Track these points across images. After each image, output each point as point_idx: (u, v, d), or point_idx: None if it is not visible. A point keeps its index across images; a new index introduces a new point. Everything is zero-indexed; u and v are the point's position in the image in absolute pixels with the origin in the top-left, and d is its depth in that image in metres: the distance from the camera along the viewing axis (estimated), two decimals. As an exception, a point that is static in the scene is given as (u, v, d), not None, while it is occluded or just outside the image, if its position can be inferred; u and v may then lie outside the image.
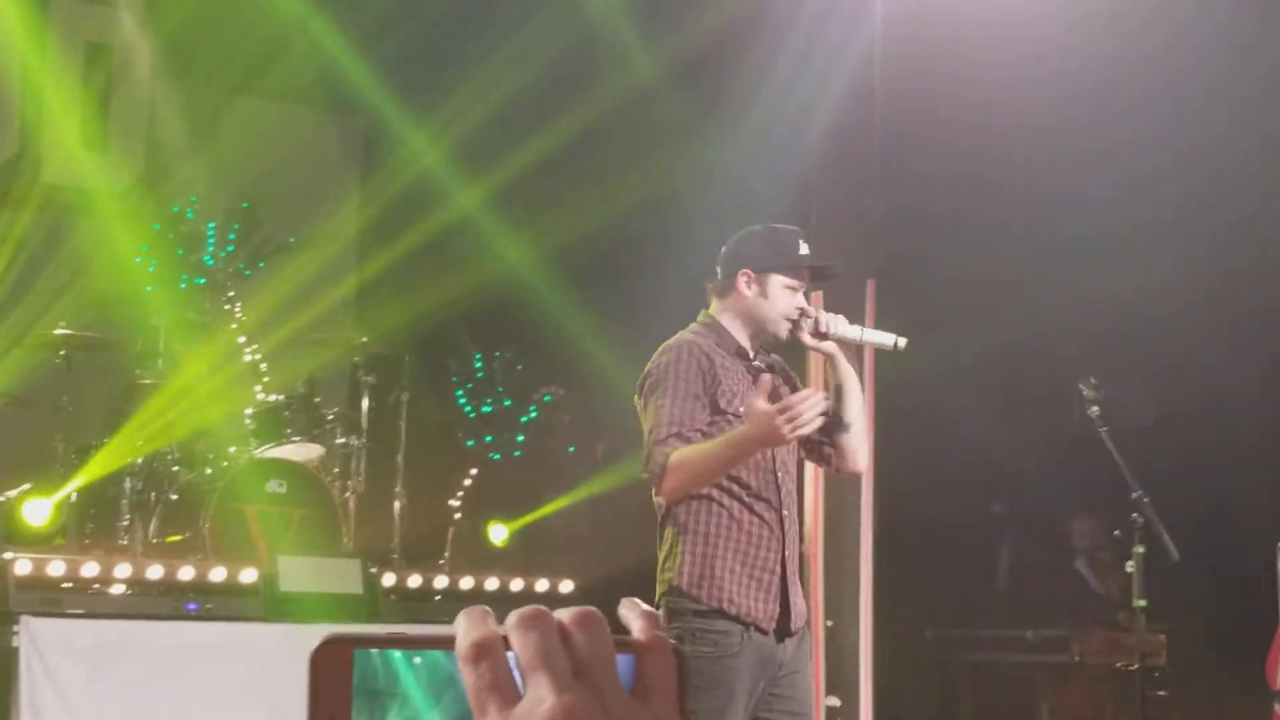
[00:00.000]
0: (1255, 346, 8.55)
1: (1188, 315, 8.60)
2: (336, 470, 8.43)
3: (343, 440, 8.45)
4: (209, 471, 7.92)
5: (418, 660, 0.93)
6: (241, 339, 8.54)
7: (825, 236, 7.57)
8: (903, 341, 4.61)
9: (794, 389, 4.75)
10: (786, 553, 4.59)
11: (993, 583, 10.01)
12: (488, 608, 0.93)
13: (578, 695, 0.87)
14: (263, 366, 8.46)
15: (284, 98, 10.45)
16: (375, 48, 9.51)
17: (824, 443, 4.74)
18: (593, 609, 0.92)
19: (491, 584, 8.22)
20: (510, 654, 0.90)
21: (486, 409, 10.04)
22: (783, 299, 4.66)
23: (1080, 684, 8.98)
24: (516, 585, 8.26)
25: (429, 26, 9.28)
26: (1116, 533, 5.25)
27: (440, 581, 8.13)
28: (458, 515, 9.22)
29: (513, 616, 0.91)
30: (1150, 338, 8.62)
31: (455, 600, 7.92)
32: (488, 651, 0.89)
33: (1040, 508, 9.47)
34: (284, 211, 9.89)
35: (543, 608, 0.92)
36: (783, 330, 4.67)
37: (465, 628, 0.91)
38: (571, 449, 10.06)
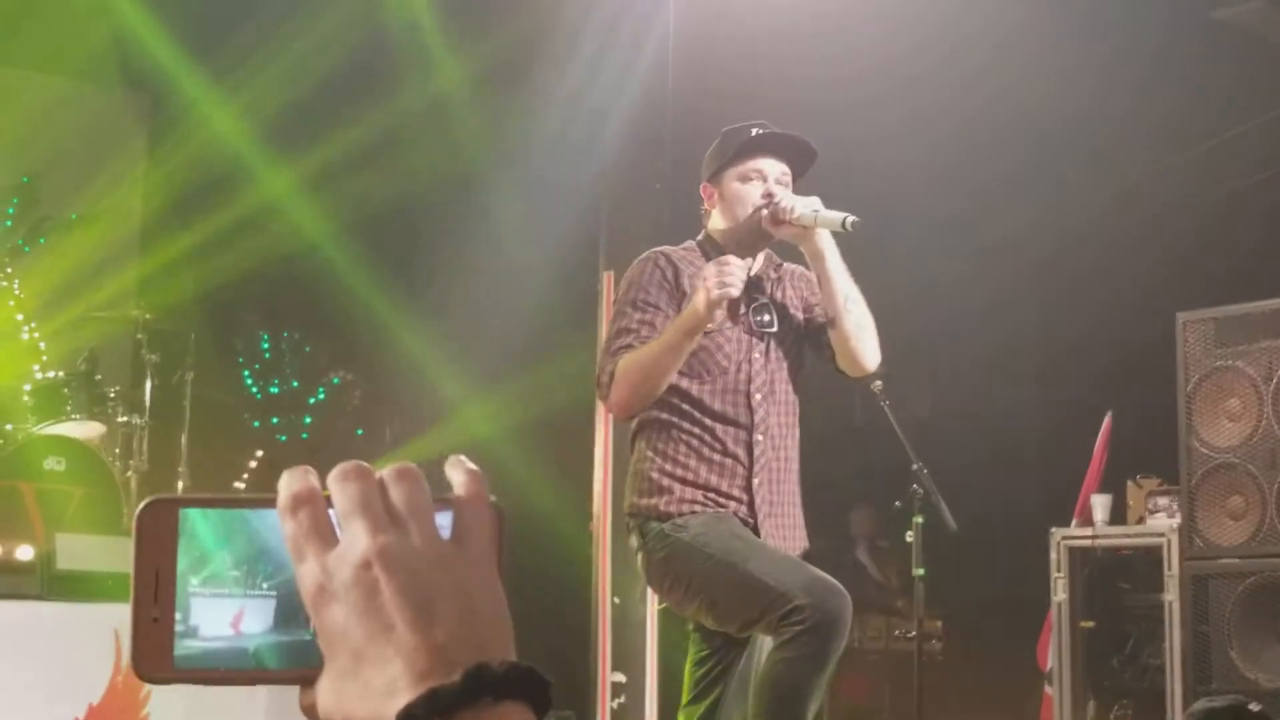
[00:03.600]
0: (1036, 344, 8.82)
1: (972, 313, 8.86)
2: (118, 449, 8.24)
3: (125, 419, 8.26)
4: (-15, 448, 7.70)
5: (242, 518, 0.95)
6: (19, 316, 8.32)
7: (618, 231, 7.72)
8: (852, 219, 4.16)
9: (811, 290, 4.46)
10: (755, 480, 4.28)
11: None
12: (309, 467, 0.95)
13: (393, 537, 0.90)
14: (41, 345, 8.26)
15: (67, 72, 10.19)
16: (165, 22, 9.32)
17: (826, 344, 4.41)
18: (411, 464, 0.95)
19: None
20: (331, 511, 0.92)
21: (274, 390, 9.92)
22: (742, 193, 4.34)
23: (860, 668, 9.18)
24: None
25: (222, 2, 9.14)
26: (897, 503, 5.37)
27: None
28: (243, 497, 9.09)
29: (333, 472, 0.93)
30: (934, 333, 8.85)
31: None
32: (306, 501, 0.92)
33: (821, 497, 9.66)
34: (66, 187, 9.67)
35: (362, 463, 0.94)
36: (757, 221, 4.30)
37: (286, 482, 0.93)
38: (360, 431, 9.99)
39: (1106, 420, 8.29)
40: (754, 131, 4.37)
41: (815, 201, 4.25)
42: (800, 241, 4.32)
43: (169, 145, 10.11)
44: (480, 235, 8.84)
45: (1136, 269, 8.41)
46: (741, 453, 4.28)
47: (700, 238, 4.48)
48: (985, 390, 8.88)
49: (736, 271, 4.09)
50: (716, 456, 4.27)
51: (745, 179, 4.35)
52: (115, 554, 7.28)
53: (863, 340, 4.34)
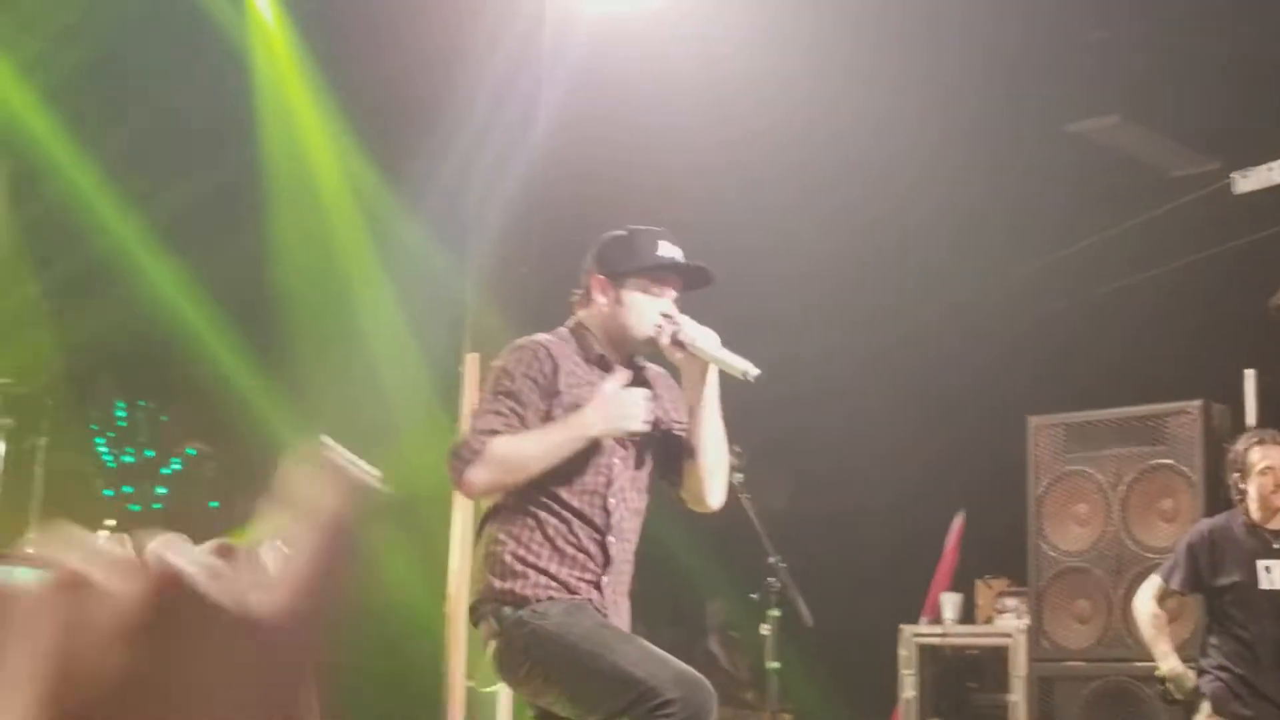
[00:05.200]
0: (892, 443, 8.93)
1: (830, 410, 8.96)
2: (-37, 515, 8.03)
3: (-27, 484, 8.06)
4: None
5: None
6: None
7: (483, 313, 7.74)
8: (754, 372, 4.27)
9: (673, 402, 4.52)
10: (605, 578, 4.33)
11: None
12: None
13: None
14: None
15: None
16: (24, 79, 9.15)
17: (677, 469, 4.50)
18: None
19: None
20: None
21: (127, 459, 9.75)
22: (643, 305, 4.39)
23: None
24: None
25: (79, 53, 8.95)
26: (753, 595, 5.39)
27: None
28: (91, 566, 8.88)
29: None
30: (793, 429, 8.92)
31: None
32: None
33: (676, 588, 9.68)
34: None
35: None
36: (644, 336, 4.38)
37: None
38: (214, 504, 9.84)
39: (958, 520, 8.43)
40: (666, 251, 4.43)
41: (714, 337, 4.35)
42: (685, 367, 4.40)
43: (27, 206, 9.89)
44: (345, 312, 8.79)
45: (994, 373, 8.58)
46: (594, 550, 4.33)
47: (572, 324, 4.49)
48: (839, 487, 8.98)
49: (639, 406, 4.23)
50: (570, 550, 4.30)
51: (648, 292, 4.41)
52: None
53: (716, 480, 4.45)
